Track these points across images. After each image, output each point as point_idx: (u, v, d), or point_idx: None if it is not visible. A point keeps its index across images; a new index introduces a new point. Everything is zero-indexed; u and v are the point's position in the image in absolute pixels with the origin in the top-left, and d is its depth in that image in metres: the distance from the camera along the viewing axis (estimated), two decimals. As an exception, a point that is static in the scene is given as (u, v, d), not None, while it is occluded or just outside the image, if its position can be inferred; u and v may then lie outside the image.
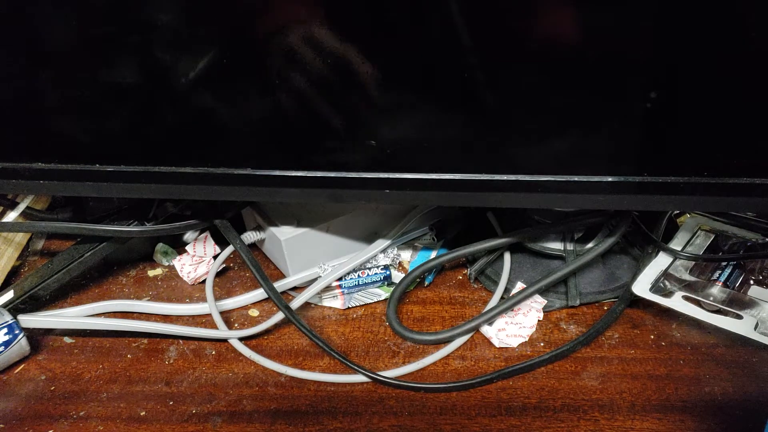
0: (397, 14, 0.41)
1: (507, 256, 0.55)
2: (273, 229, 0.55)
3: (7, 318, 0.49)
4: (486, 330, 0.50)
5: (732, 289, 0.51)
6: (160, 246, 0.61)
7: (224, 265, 0.58)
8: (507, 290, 0.54)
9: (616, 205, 0.48)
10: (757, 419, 0.43)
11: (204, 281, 0.57)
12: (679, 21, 0.40)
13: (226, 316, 0.54)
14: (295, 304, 0.52)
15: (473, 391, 0.46)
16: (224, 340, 0.51)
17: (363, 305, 0.55)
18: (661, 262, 0.53)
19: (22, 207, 0.57)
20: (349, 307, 0.54)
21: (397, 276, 0.55)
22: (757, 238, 0.55)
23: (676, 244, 0.55)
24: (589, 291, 0.53)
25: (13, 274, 0.59)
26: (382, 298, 0.55)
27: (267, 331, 0.52)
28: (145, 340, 0.52)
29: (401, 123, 0.45)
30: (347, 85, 0.44)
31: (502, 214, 0.58)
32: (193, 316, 0.54)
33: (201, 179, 0.48)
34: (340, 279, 0.53)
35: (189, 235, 0.60)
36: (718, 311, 0.49)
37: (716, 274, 0.52)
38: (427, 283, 0.56)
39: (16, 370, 0.50)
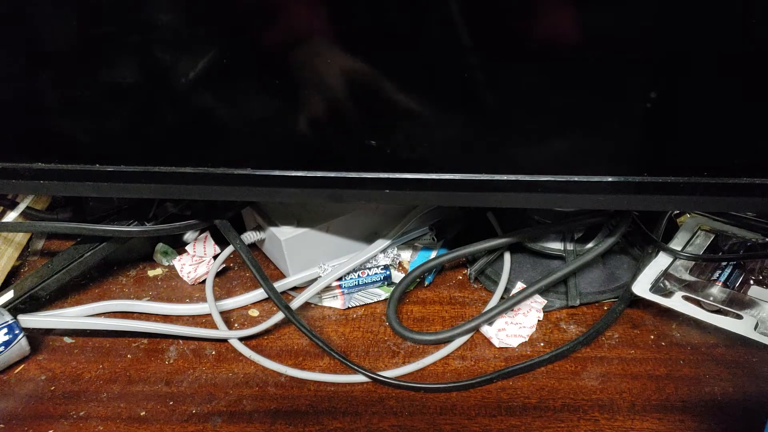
0: (397, 14, 0.41)
1: (507, 256, 0.55)
2: (273, 229, 0.55)
3: (7, 318, 0.49)
4: (486, 330, 0.50)
5: (732, 289, 0.51)
6: (160, 246, 0.61)
7: (224, 265, 0.58)
8: (507, 290, 0.54)
9: (616, 205, 0.48)
10: (757, 419, 0.43)
11: (204, 281, 0.57)
12: (678, 21, 0.40)
13: (226, 316, 0.54)
14: (295, 304, 0.52)
15: (473, 391, 0.46)
16: (224, 340, 0.51)
17: (363, 305, 0.55)
18: (661, 262, 0.53)
19: (22, 207, 0.57)
20: (349, 307, 0.54)
21: (397, 276, 0.55)
22: (757, 238, 0.55)
23: (676, 244, 0.55)
24: (589, 291, 0.53)
25: (13, 274, 0.59)
26: (382, 298, 0.55)
27: (267, 331, 0.52)
28: (145, 340, 0.52)
29: (401, 123, 0.45)
30: (347, 85, 0.44)
31: (502, 214, 0.58)
32: (193, 316, 0.54)
33: (201, 179, 0.48)
34: (340, 279, 0.53)
35: (189, 235, 0.60)
36: (718, 311, 0.49)
37: (716, 274, 0.52)
38: (427, 283, 0.56)
39: (16, 370, 0.50)
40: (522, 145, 0.46)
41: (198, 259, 0.58)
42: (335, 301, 0.54)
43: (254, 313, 0.55)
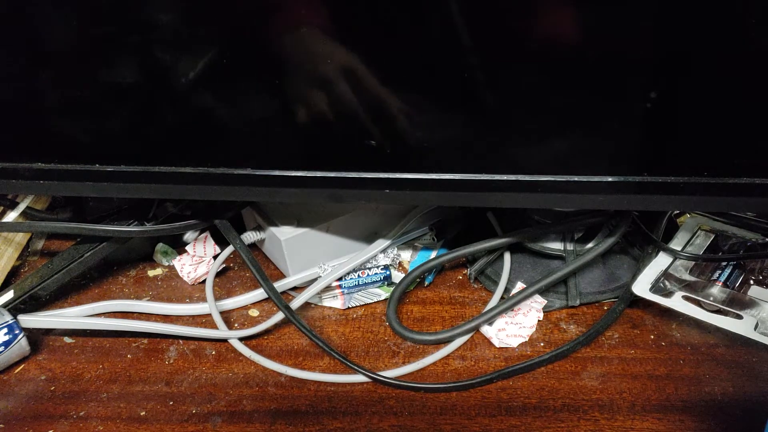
0: (397, 14, 0.41)
1: (507, 256, 0.55)
2: (273, 229, 0.55)
3: (7, 318, 0.49)
4: (486, 330, 0.50)
5: (732, 289, 0.51)
6: (160, 246, 0.61)
7: (224, 265, 0.58)
8: (507, 290, 0.54)
9: (616, 205, 0.48)
10: (757, 419, 0.43)
11: (204, 281, 0.57)
12: (678, 21, 0.40)
13: (226, 316, 0.54)
14: (295, 304, 0.52)
15: (473, 391, 0.46)
16: (224, 340, 0.51)
17: (363, 305, 0.55)
18: (661, 262, 0.53)
19: (22, 207, 0.57)
20: (349, 307, 0.54)
21: (397, 276, 0.55)
22: (757, 238, 0.55)
23: (676, 244, 0.55)
24: (589, 291, 0.53)
25: (13, 274, 0.59)
26: (382, 298, 0.55)
27: (267, 331, 0.52)
28: (145, 340, 0.52)
29: (401, 123, 0.45)
30: (347, 84, 0.44)
31: (502, 214, 0.58)
32: (193, 316, 0.54)
33: (201, 179, 0.48)
34: (340, 279, 0.53)
35: (189, 235, 0.60)
36: (718, 311, 0.49)
37: (716, 274, 0.52)
38: (427, 283, 0.56)
39: (16, 370, 0.50)
40: (522, 145, 0.46)
41: (198, 259, 0.58)
42: (335, 301, 0.54)
43: (254, 313, 0.55)
